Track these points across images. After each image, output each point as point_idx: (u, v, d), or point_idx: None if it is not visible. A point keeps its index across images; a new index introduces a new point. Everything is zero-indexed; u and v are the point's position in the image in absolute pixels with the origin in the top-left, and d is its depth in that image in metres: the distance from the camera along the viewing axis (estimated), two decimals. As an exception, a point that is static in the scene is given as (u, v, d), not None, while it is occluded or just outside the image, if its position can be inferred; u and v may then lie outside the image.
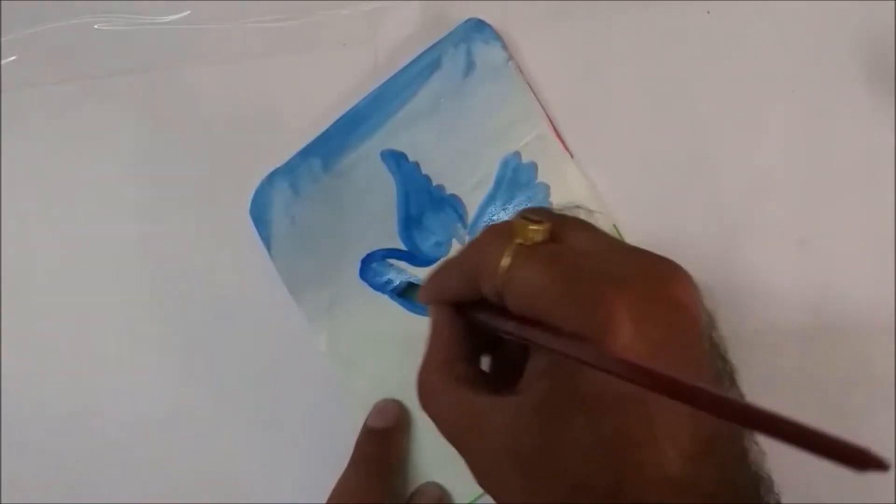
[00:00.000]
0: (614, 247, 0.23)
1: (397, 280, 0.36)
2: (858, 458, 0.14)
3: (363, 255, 0.36)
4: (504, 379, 0.25)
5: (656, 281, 0.21)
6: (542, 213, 0.24)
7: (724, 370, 0.23)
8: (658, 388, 0.17)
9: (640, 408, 0.20)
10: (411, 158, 0.36)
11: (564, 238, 0.23)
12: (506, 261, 0.22)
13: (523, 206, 0.36)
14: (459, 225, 0.36)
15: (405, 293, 0.36)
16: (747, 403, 0.16)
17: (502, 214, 0.36)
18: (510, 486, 0.22)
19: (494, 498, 0.23)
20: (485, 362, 0.28)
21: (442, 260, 0.28)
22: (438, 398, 0.25)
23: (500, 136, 0.36)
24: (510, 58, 0.36)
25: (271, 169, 0.36)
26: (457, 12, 0.36)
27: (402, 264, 0.36)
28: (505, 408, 0.22)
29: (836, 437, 0.15)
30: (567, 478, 0.21)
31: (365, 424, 0.35)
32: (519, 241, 0.22)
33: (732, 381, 0.23)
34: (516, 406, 0.22)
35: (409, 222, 0.36)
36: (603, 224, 0.24)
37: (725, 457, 0.20)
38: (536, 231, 0.22)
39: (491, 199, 0.36)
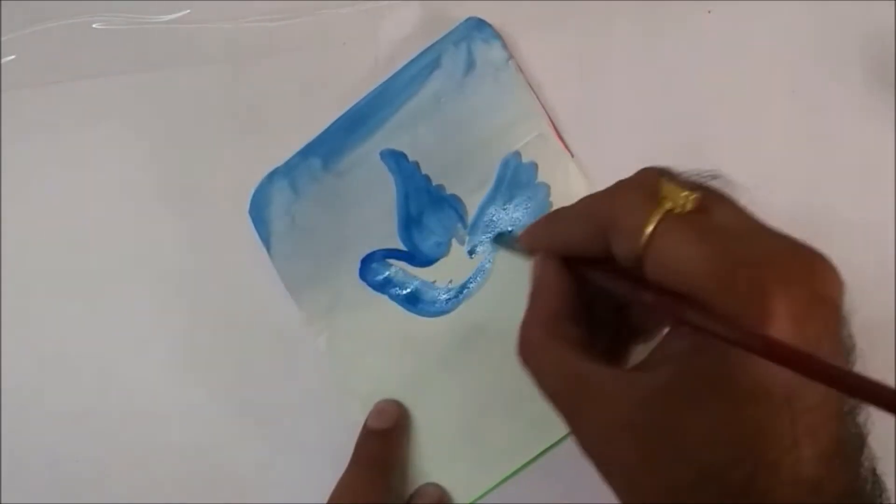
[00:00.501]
0: (763, 228, 0.22)
1: (396, 279, 0.36)
2: None
3: (363, 254, 0.36)
4: (613, 348, 0.25)
5: (815, 279, 0.20)
6: (684, 180, 0.22)
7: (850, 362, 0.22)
8: (820, 377, 0.17)
9: (784, 406, 0.19)
10: (411, 158, 0.36)
11: (711, 211, 0.22)
12: (651, 224, 0.21)
13: (522, 206, 0.35)
14: (459, 225, 0.36)
15: (499, 239, 0.35)
16: None
17: (502, 214, 0.36)
18: (625, 460, 0.21)
19: (600, 467, 0.22)
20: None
21: (555, 209, 0.26)
22: (542, 356, 0.24)
23: (500, 135, 0.36)
24: (510, 57, 0.36)
25: (271, 169, 0.36)
26: (457, 12, 0.36)
27: (402, 264, 0.36)
28: (629, 381, 0.21)
29: None
30: (695, 463, 0.20)
31: (365, 425, 0.35)
32: (668, 206, 0.21)
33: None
34: (644, 382, 0.21)
35: (409, 222, 0.36)
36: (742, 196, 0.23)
37: (852, 459, 0.20)
38: (688, 197, 0.21)
39: (491, 198, 0.36)
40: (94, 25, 0.38)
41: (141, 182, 0.38)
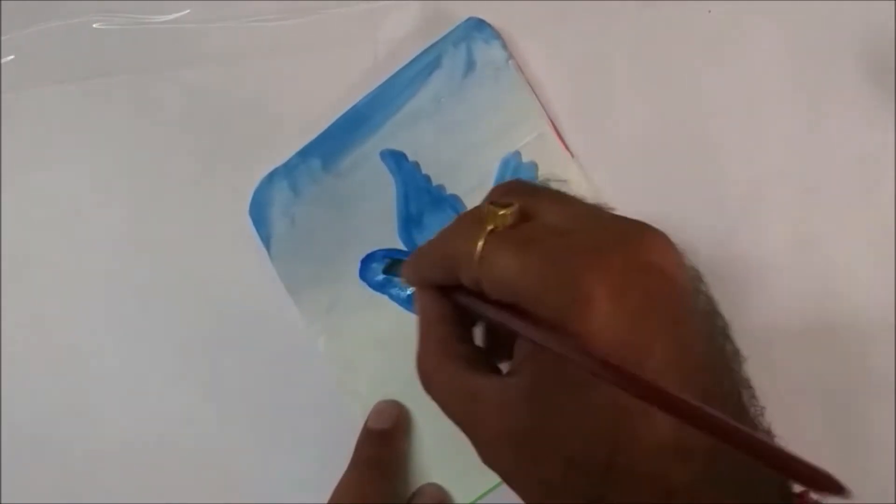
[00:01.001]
0: (588, 217, 0.22)
1: (396, 279, 0.36)
2: (823, 483, 0.15)
3: (363, 255, 0.36)
4: (500, 351, 0.25)
5: (631, 249, 0.20)
6: (512, 192, 0.24)
7: (715, 326, 0.22)
8: (627, 387, 0.17)
9: None
10: (411, 158, 0.36)
11: (536, 214, 0.23)
12: (479, 249, 0.22)
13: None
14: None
15: (389, 269, 0.36)
16: (723, 418, 0.16)
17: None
18: (508, 465, 0.22)
19: (501, 476, 0.23)
20: (477, 335, 0.28)
21: (419, 246, 0.27)
22: (437, 379, 0.25)
23: (500, 135, 0.36)
24: (510, 57, 0.36)
25: (271, 169, 0.36)
26: (457, 12, 0.36)
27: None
28: (499, 388, 0.22)
29: (808, 463, 0.15)
30: (561, 455, 0.20)
31: (365, 425, 0.35)
32: (490, 226, 0.22)
33: (726, 337, 0.23)
34: (509, 387, 0.22)
35: (409, 222, 0.36)
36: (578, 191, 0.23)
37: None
38: (505, 216, 0.22)
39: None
40: (94, 25, 0.38)
41: (141, 182, 0.38)
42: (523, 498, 0.23)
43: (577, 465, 0.20)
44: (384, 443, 0.35)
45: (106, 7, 0.38)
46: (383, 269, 0.36)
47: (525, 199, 0.23)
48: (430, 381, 0.25)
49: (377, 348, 0.36)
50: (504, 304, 0.22)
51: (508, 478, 0.23)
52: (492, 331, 0.28)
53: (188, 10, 0.38)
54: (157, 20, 0.38)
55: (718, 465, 0.19)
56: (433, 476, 0.36)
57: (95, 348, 0.38)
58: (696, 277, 0.22)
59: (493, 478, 0.34)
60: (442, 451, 0.36)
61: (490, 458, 0.23)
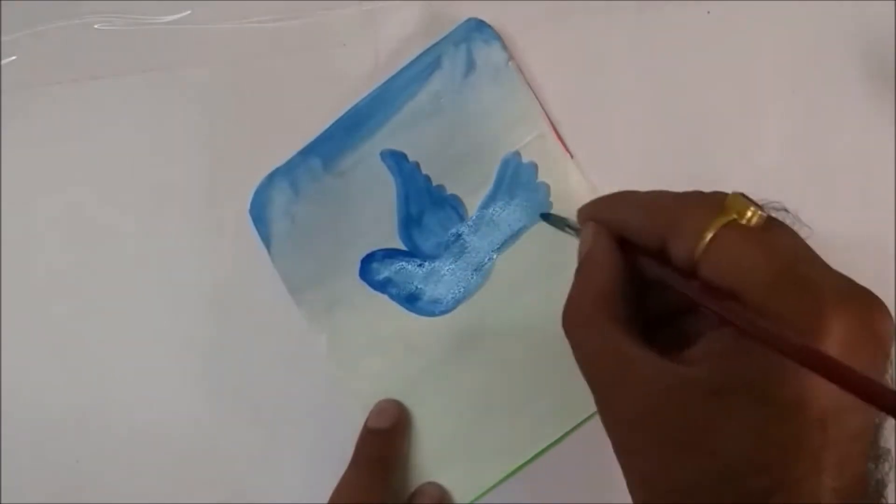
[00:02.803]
0: (822, 262, 0.22)
1: (396, 279, 0.36)
2: None
3: (363, 254, 0.36)
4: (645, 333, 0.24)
5: (867, 312, 0.20)
6: (755, 202, 0.23)
7: None
8: (859, 392, 0.17)
9: (819, 427, 0.19)
10: (411, 158, 0.36)
11: (775, 234, 0.22)
12: (713, 228, 0.21)
13: (522, 205, 0.36)
14: (459, 225, 0.36)
15: (549, 218, 0.35)
16: None
17: (503, 214, 0.36)
18: (647, 449, 0.21)
19: (620, 453, 0.22)
20: None
21: (623, 191, 0.26)
22: (587, 329, 0.23)
23: (500, 136, 0.36)
24: (510, 58, 0.36)
25: (271, 169, 0.36)
26: (457, 12, 0.36)
27: (402, 264, 0.36)
28: (668, 371, 0.21)
29: None
30: (717, 465, 0.20)
31: (365, 425, 0.35)
32: (732, 216, 0.22)
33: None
34: (686, 376, 0.21)
35: (409, 222, 0.36)
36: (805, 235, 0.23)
37: (869, 500, 0.20)
38: (755, 213, 0.22)
39: (491, 199, 0.36)
40: (95, 26, 0.38)
41: (141, 182, 0.38)
42: (648, 488, 0.22)
43: (730, 480, 0.20)
44: (384, 442, 0.35)
45: (107, 8, 0.38)
46: (542, 216, 0.34)
47: (765, 212, 0.22)
48: (577, 325, 0.24)
49: (377, 348, 0.36)
50: (722, 292, 0.21)
51: (633, 458, 0.22)
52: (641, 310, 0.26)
53: (189, 11, 0.38)
54: (157, 21, 0.38)
55: None
56: (433, 475, 0.36)
57: (95, 348, 0.38)
58: (893, 357, 0.22)
59: (493, 477, 0.35)
60: (442, 450, 0.36)
61: (625, 434, 0.22)
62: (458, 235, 0.36)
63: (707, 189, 0.35)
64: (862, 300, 0.20)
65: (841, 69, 0.35)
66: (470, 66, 0.36)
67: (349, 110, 0.36)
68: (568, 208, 0.33)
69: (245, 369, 0.37)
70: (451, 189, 0.36)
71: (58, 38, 0.38)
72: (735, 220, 0.22)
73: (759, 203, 0.23)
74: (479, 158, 0.36)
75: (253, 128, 0.37)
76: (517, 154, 0.36)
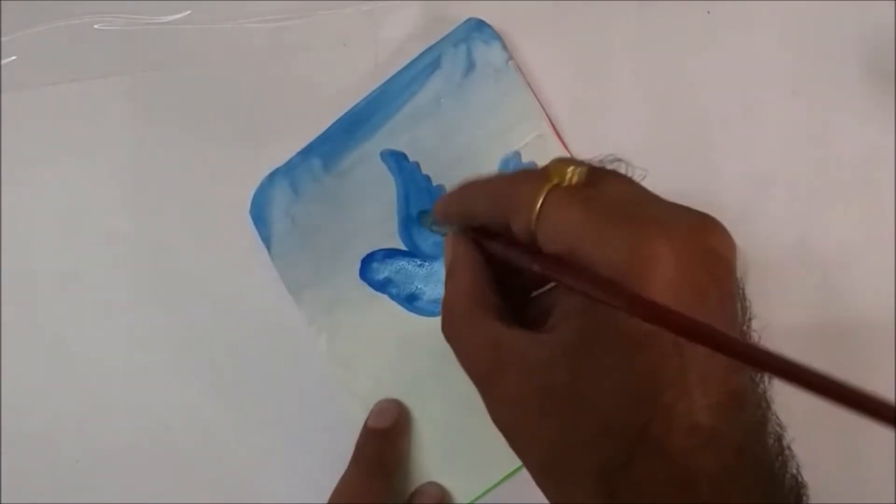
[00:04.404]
0: (652, 198, 0.22)
1: (396, 279, 0.36)
2: (886, 413, 0.15)
3: (363, 254, 0.36)
4: (516, 314, 0.25)
5: (698, 231, 0.20)
6: (574, 161, 0.24)
7: (744, 321, 0.22)
8: (692, 336, 0.17)
9: (675, 351, 0.19)
10: (411, 158, 0.36)
11: (599, 185, 0.22)
12: (540, 198, 0.22)
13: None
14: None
15: (422, 219, 0.35)
16: (790, 359, 0.16)
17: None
18: (532, 424, 0.22)
19: (509, 436, 0.23)
20: None
21: (464, 182, 0.27)
22: (465, 326, 0.24)
23: (500, 136, 0.36)
24: (510, 58, 0.36)
25: (271, 169, 0.36)
26: (457, 12, 0.36)
27: (402, 264, 0.36)
28: (532, 343, 0.22)
29: (867, 392, 0.15)
30: (595, 418, 0.20)
31: (365, 425, 0.35)
32: (555, 181, 0.22)
33: (750, 329, 0.23)
34: (548, 343, 0.22)
35: (409, 222, 0.36)
36: (639, 178, 0.23)
37: (751, 417, 0.20)
38: (574, 172, 0.22)
39: (491, 199, 0.36)
40: (95, 26, 0.38)
41: (141, 183, 0.38)
42: (534, 458, 0.22)
43: (608, 427, 0.20)
44: (384, 442, 0.35)
45: (107, 8, 0.38)
46: (417, 217, 0.35)
47: (591, 169, 0.23)
48: (454, 326, 0.25)
49: (377, 348, 0.36)
50: (555, 258, 0.21)
51: (521, 436, 0.22)
52: (513, 291, 0.27)
53: (189, 11, 0.38)
54: (157, 21, 0.38)
55: (746, 462, 0.19)
56: (433, 475, 0.36)
57: (95, 348, 0.38)
58: (742, 273, 0.22)
59: (493, 477, 0.35)
60: (442, 450, 0.36)
61: (505, 413, 0.23)
62: (458, 235, 0.36)
63: (706, 190, 0.35)
64: (689, 222, 0.21)
65: (841, 69, 0.35)
66: (470, 66, 0.36)
67: (349, 110, 0.36)
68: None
69: (245, 369, 0.37)
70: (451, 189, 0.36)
71: (58, 38, 0.38)
72: (557, 184, 0.22)
73: (586, 161, 0.24)
74: (479, 158, 0.36)
75: (253, 128, 0.37)
76: (517, 154, 0.36)
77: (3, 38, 0.38)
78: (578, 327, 0.21)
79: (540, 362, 0.22)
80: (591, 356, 0.20)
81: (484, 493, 0.35)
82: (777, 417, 0.21)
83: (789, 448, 0.21)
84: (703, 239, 0.20)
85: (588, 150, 0.35)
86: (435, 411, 0.36)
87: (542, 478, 0.22)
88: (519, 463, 0.34)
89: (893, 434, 0.32)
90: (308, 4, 0.37)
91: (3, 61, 0.38)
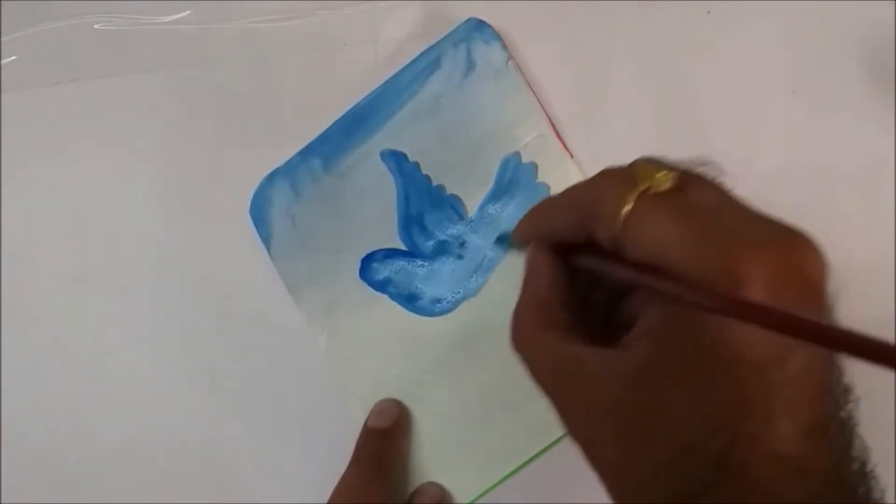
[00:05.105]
0: (744, 208, 0.22)
1: (396, 279, 0.36)
2: None
3: (363, 254, 0.36)
4: (591, 333, 0.25)
5: (791, 251, 0.20)
6: (662, 163, 0.23)
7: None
8: (797, 333, 0.17)
9: (760, 376, 0.19)
10: (411, 158, 0.36)
11: (688, 190, 0.22)
12: (629, 205, 0.21)
13: (522, 206, 0.35)
14: (460, 225, 0.36)
15: (501, 240, 0.34)
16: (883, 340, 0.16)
17: (503, 214, 0.36)
18: (607, 442, 0.21)
19: (586, 452, 0.22)
20: None
21: (542, 199, 0.27)
22: (533, 341, 0.24)
23: (500, 136, 0.36)
24: (510, 58, 0.36)
25: (271, 169, 0.36)
26: (457, 12, 0.36)
27: (402, 264, 0.36)
28: (609, 359, 0.21)
29: None
30: (673, 439, 0.20)
31: (365, 425, 0.35)
32: (644, 186, 0.21)
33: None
34: (624, 359, 0.21)
35: (409, 222, 0.36)
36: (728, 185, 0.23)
37: (836, 444, 0.20)
38: (664, 177, 0.21)
39: (491, 198, 0.36)
40: (95, 26, 0.38)
41: (141, 183, 0.38)
42: (615, 477, 0.22)
43: (690, 450, 0.19)
44: (384, 442, 0.35)
45: (107, 8, 0.38)
46: (496, 240, 0.35)
47: (680, 172, 0.22)
48: (522, 340, 0.24)
49: (377, 348, 0.36)
50: (643, 266, 0.21)
51: (601, 456, 0.22)
52: (591, 307, 0.27)
53: (189, 11, 0.38)
54: (157, 21, 0.38)
55: (831, 490, 0.19)
56: (433, 475, 0.36)
57: (95, 348, 0.38)
58: (833, 297, 0.22)
59: (493, 477, 0.35)
60: (442, 450, 0.36)
61: (585, 432, 0.22)
62: (459, 235, 0.36)
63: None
64: (782, 240, 0.20)
65: (841, 69, 0.35)
66: (470, 66, 0.36)
67: (349, 110, 0.36)
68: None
69: (245, 369, 0.37)
70: (451, 189, 0.36)
71: (58, 38, 0.38)
72: (645, 190, 0.21)
73: (674, 164, 0.23)
74: (479, 158, 0.36)
75: (253, 128, 0.37)
76: (517, 154, 0.36)
77: (3, 38, 0.38)
78: (659, 346, 0.21)
79: (613, 379, 0.21)
80: (671, 377, 0.20)
81: (484, 493, 0.35)
82: (861, 440, 0.21)
83: (873, 473, 0.20)
84: (794, 260, 0.20)
85: (588, 149, 0.36)
86: (435, 411, 0.36)
87: (618, 496, 0.22)
88: (519, 463, 0.35)
89: (893, 434, 0.32)
90: (308, 4, 0.37)
91: (3, 61, 0.38)
